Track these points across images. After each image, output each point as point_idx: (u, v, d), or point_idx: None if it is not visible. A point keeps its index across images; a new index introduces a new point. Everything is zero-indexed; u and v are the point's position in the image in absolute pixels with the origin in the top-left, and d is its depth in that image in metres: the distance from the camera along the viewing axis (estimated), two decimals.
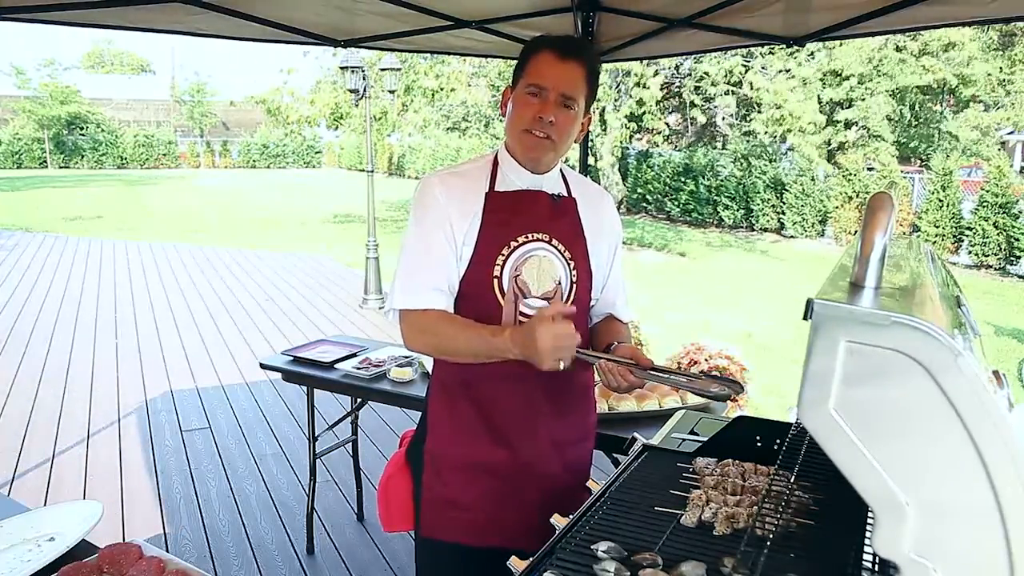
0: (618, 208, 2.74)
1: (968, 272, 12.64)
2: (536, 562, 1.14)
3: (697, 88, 16.30)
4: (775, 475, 1.35)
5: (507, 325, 1.56)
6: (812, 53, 14.58)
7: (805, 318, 0.79)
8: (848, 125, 15.76)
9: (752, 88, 14.90)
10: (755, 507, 1.24)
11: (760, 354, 6.99)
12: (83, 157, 37.15)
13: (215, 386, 5.75)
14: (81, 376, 5.93)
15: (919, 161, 16.88)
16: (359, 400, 3.45)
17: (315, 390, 3.27)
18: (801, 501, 1.26)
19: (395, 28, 3.50)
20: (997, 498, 0.72)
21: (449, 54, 5.57)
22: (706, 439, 1.66)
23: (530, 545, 1.23)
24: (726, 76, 15.27)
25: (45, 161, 36.66)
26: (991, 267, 12.70)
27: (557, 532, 1.24)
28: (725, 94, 15.89)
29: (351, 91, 8.89)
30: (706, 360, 4.70)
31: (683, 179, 18.15)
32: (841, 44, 14.17)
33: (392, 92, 10.31)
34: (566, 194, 1.70)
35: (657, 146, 19.95)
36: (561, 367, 1.42)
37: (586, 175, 2.49)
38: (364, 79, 8.65)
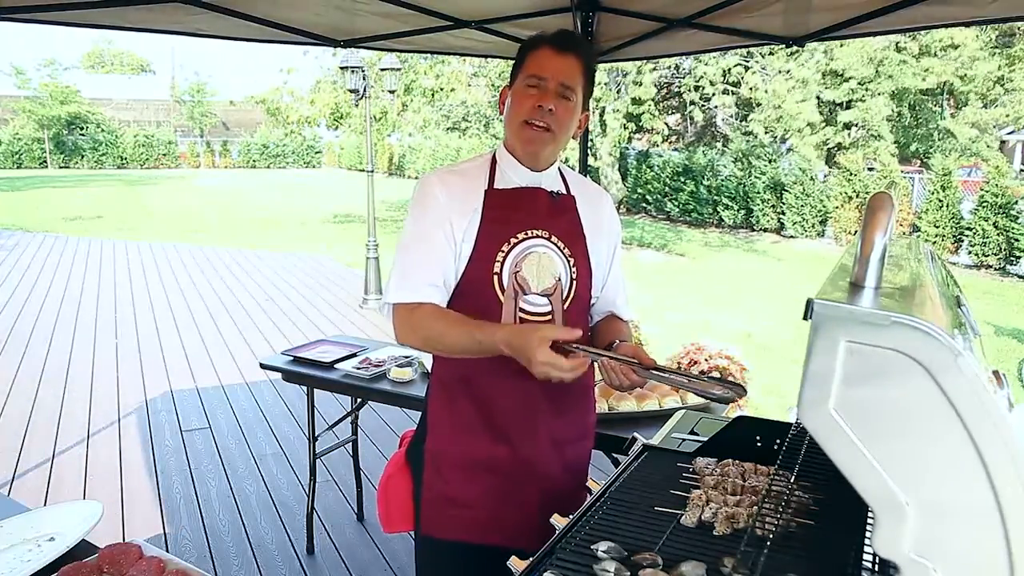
0: (618, 208, 2.74)
1: (968, 272, 12.64)
2: (536, 562, 1.14)
3: (697, 88, 16.29)
4: (775, 475, 1.35)
5: (504, 323, 1.56)
6: (812, 53, 14.57)
7: (805, 318, 0.79)
8: (848, 126, 15.75)
9: (751, 89, 14.90)
10: (755, 507, 1.24)
11: (760, 354, 6.98)
12: (83, 157, 37.20)
13: (215, 386, 5.75)
14: (81, 376, 5.93)
15: (919, 161, 16.86)
16: (359, 400, 3.46)
17: (315, 390, 3.27)
18: (801, 501, 1.26)
19: (395, 28, 3.50)
20: (997, 498, 0.72)
21: (449, 54, 5.57)
22: (706, 439, 1.66)
23: (530, 545, 1.23)
24: (724, 76, 15.27)
25: (45, 161, 36.69)
26: (991, 267, 12.70)
27: (557, 532, 1.24)
28: (724, 93, 15.88)
29: (351, 91, 8.90)
30: (706, 360, 4.70)
31: (683, 179, 18.15)
32: (841, 45, 14.15)
33: (392, 92, 10.30)
34: (565, 192, 1.71)
35: (657, 146, 19.95)
36: (552, 381, 1.41)
37: (586, 175, 2.49)
38: (364, 79, 8.65)
